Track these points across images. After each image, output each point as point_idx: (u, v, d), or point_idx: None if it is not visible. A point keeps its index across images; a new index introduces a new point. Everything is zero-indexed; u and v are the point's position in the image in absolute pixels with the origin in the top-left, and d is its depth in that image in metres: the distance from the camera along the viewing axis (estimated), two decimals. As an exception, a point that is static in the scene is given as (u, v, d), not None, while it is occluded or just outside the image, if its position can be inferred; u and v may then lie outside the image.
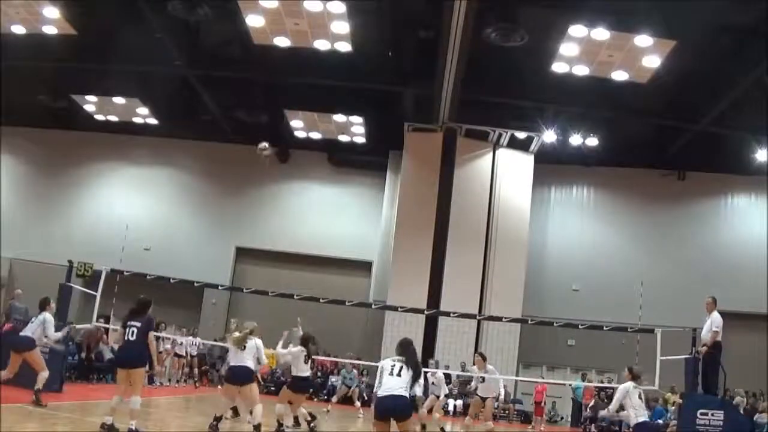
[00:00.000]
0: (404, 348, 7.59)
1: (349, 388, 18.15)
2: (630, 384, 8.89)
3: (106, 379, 16.27)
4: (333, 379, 20.72)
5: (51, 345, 11.35)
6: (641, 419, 8.77)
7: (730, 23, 16.24)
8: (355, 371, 19.27)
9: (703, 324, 11.98)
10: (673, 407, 15.77)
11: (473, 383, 14.33)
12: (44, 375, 10.08)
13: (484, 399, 12.65)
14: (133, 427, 7.95)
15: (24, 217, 25.13)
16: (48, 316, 10.55)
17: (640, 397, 8.81)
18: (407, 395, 7.29)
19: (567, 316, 20.31)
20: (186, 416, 10.26)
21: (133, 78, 21.82)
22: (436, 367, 16.54)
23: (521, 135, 22.48)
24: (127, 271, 14.75)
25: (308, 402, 14.26)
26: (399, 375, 7.32)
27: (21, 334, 10.50)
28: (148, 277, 14.61)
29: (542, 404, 19.92)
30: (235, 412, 10.74)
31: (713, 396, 11.50)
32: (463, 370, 20.35)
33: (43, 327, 10.43)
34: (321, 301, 14.88)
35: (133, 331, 8.34)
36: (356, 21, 17.61)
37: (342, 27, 17.76)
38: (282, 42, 18.67)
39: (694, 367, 11.60)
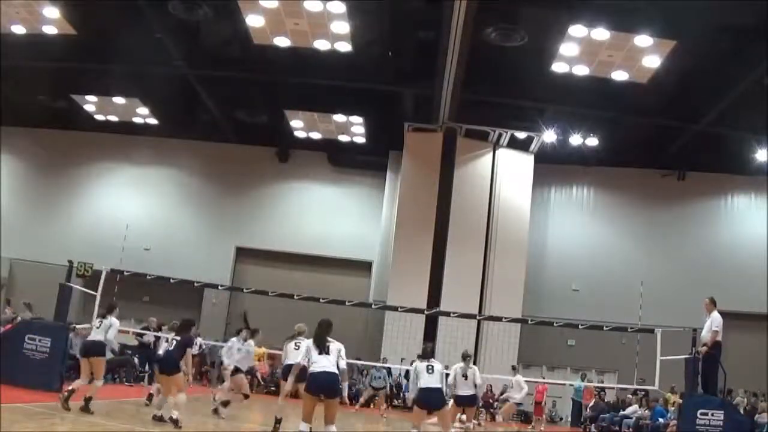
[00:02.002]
0: (321, 327, 8.05)
1: (377, 389, 18.30)
2: (459, 365, 11.02)
3: (106, 379, 16.19)
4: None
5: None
6: (460, 392, 10.96)
7: (730, 23, 16.23)
8: (384, 371, 19.34)
9: (704, 324, 11.98)
10: (673, 407, 15.77)
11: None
12: (99, 384, 10.06)
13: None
14: (174, 416, 9.24)
15: (24, 217, 25.11)
16: (115, 321, 10.62)
17: (464, 376, 10.91)
18: (337, 372, 7.75)
19: (567, 316, 20.30)
20: (188, 416, 10.26)
21: (133, 78, 21.80)
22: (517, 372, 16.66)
23: (521, 135, 22.48)
24: (127, 271, 14.75)
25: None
26: (328, 354, 7.77)
27: (90, 338, 10.51)
28: (148, 277, 14.61)
29: (542, 404, 19.92)
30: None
31: (713, 396, 11.50)
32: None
33: (107, 330, 10.49)
34: (321, 301, 14.87)
35: (173, 342, 9.84)
36: (356, 21, 17.61)
37: (342, 27, 17.76)
38: (282, 42, 18.67)
39: (694, 367, 11.59)
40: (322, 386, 7.62)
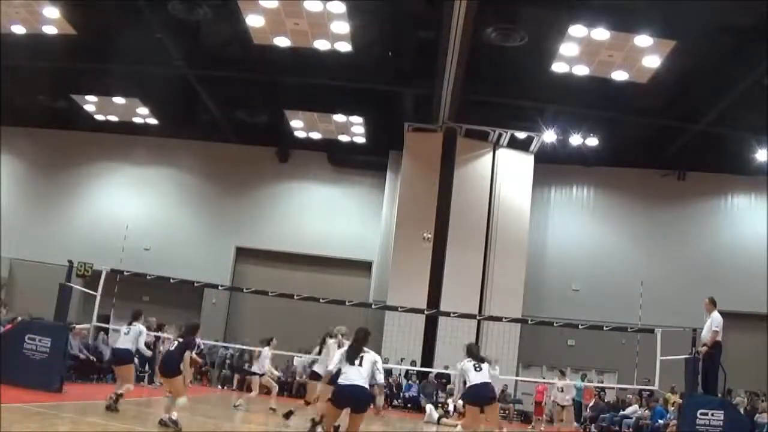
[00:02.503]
0: (357, 337, 7.68)
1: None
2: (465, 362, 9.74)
3: (106, 380, 16.26)
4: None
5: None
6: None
7: (730, 23, 16.24)
8: None
9: (704, 324, 11.98)
10: (673, 407, 15.77)
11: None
12: (129, 387, 10.38)
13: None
14: (174, 417, 8.93)
15: (24, 217, 25.12)
16: (143, 328, 10.90)
17: (476, 368, 9.55)
18: (366, 386, 7.33)
19: (567, 316, 20.30)
20: (188, 417, 10.25)
21: (133, 78, 21.82)
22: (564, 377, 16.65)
23: (521, 135, 22.48)
24: (127, 271, 14.75)
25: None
26: (361, 365, 7.36)
27: (117, 346, 10.83)
28: (148, 277, 14.61)
29: (542, 404, 19.92)
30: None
31: (713, 396, 11.50)
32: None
33: (137, 338, 10.77)
34: (321, 301, 14.88)
35: (174, 344, 9.54)
36: (356, 21, 17.61)
37: (342, 27, 17.76)
38: (282, 42, 18.67)
39: (694, 367, 11.59)
40: (348, 400, 7.30)
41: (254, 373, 14.16)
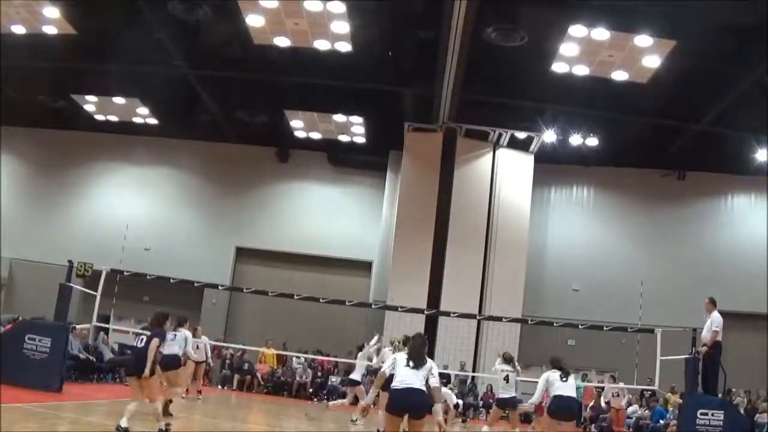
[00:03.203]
0: (415, 343, 7.34)
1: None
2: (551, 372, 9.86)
3: (106, 379, 16.30)
4: (333, 379, 20.78)
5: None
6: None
7: (730, 23, 16.23)
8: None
9: (704, 324, 11.99)
10: (673, 407, 15.78)
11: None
12: (178, 390, 10.69)
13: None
14: (163, 428, 8.23)
15: (24, 217, 25.11)
16: (188, 334, 11.44)
17: (563, 379, 9.63)
18: (424, 389, 6.97)
19: (567, 316, 20.32)
20: (188, 416, 10.27)
21: (133, 78, 21.80)
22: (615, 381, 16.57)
23: (521, 135, 22.46)
24: (127, 271, 14.76)
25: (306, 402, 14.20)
26: (415, 368, 7.01)
27: (164, 352, 10.64)
28: (148, 277, 14.62)
29: (542, 404, 19.88)
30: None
31: (713, 396, 11.51)
32: (462, 370, 20.38)
33: (184, 344, 11.31)
34: (321, 301, 14.90)
35: (142, 339, 8.58)
36: (356, 21, 17.60)
37: (342, 27, 17.75)
38: (282, 42, 18.66)
39: (694, 367, 11.61)
40: (406, 405, 6.86)
41: (356, 382, 13.65)
